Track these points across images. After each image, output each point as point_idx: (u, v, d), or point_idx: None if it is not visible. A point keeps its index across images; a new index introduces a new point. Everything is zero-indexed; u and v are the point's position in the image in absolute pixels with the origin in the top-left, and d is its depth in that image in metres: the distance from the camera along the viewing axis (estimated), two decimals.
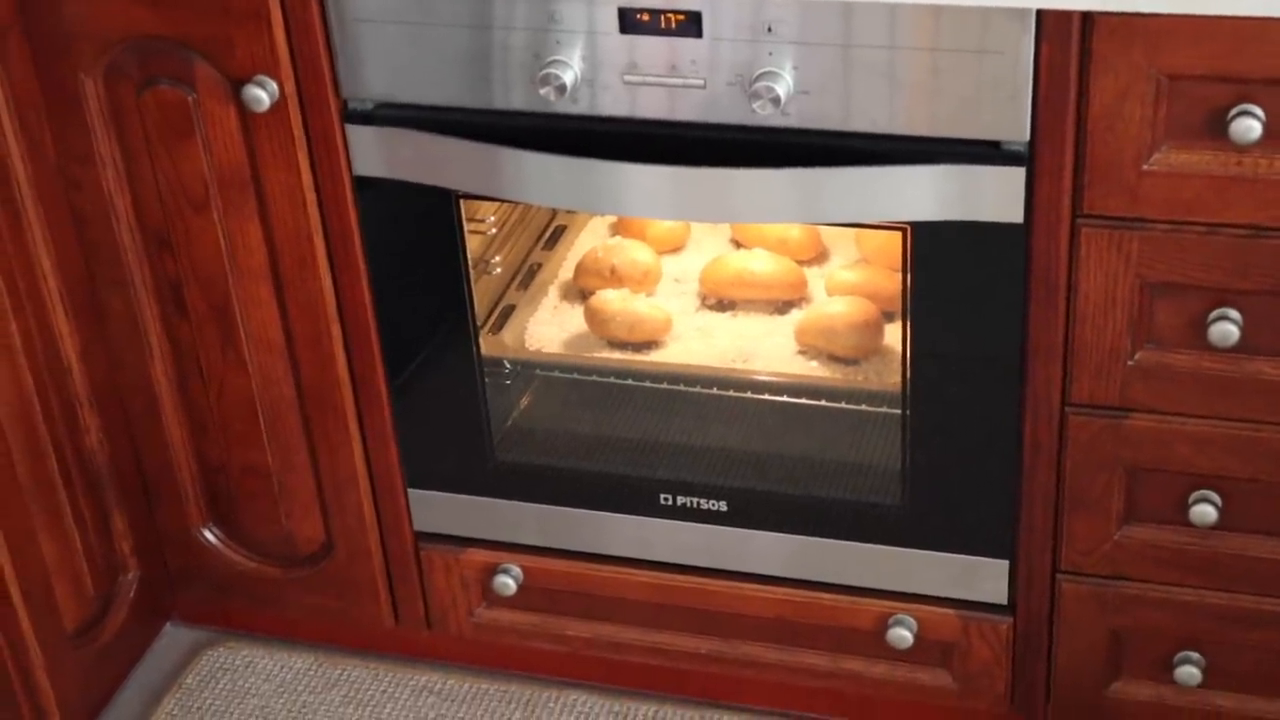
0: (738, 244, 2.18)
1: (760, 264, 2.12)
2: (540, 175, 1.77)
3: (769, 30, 1.64)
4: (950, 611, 1.95)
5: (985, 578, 1.92)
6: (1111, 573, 1.86)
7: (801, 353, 2.07)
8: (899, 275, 1.77)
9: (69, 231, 1.95)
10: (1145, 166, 1.60)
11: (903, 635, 1.96)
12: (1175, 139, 1.58)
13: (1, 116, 1.82)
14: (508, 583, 2.08)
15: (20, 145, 1.85)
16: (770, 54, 1.65)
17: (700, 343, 2.11)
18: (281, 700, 2.21)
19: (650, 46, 1.68)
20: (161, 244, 1.95)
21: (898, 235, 1.74)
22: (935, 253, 1.72)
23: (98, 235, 1.96)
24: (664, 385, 2.08)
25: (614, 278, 2.13)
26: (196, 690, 2.23)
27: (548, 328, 2.15)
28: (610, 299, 2.11)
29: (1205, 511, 1.76)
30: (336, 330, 1.96)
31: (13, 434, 1.91)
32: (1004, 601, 1.93)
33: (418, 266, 1.91)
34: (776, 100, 1.64)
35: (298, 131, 1.82)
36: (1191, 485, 1.77)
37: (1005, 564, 1.90)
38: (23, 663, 1.97)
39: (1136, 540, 1.83)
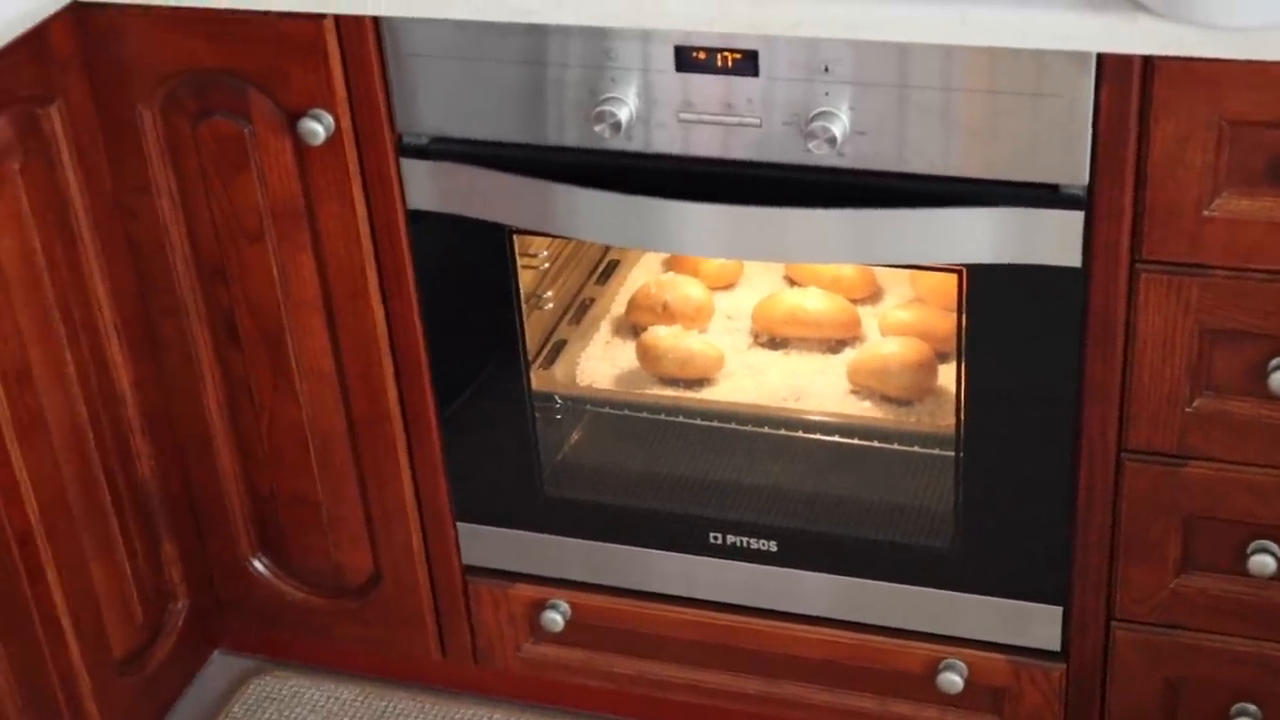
0: (791, 281, 2.17)
1: (813, 302, 2.10)
2: (593, 212, 1.77)
3: (825, 70, 1.63)
4: (1001, 657, 1.93)
5: (1038, 623, 1.89)
6: (1167, 621, 1.83)
7: (854, 392, 2.06)
8: (953, 315, 1.76)
9: (125, 261, 1.96)
10: (1206, 212, 1.58)
11: (953, 680, 1.94)
12: (1237, 185, 1.56)
13: (60, 147, 1.83)
14: (555, 619, 2.07)
15: (78, 176, 1.86)
16: (826, 94, 1.64)
17: (752, 380, 2.09)
18: None
19: (706, 85, 1.68)
20: (215, 274, 1.96)
21: (953, 275, 1.72)
22: (991, 295, 1.70)
23: (153, 265, 1.97)
24: (715, 423, 2.07)
25: (666, 314, 2.12)
26: (243, 719, 2.23)
27: (599, 363, 2.14)
28: (662, 335, 2.10)
29: (1264, 562, 1.73)
30: (388, 362, 1.96)
31: (66, 462, 1.92)
32: (1057, 648, 1.91)
33: (470, 300, 1.91)
34: (832, 140, 1.63)
35: (352, 165, 1.82)
36: (1250, 534, 1.74)
37: (1059, 610, 1.88)
38: (71, 690, 1.98)
39: (1193, 589, 1.80)
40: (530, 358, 1.95)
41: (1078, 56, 1.54)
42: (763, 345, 2.14)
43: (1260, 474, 1.70)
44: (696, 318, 2.13)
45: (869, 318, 2.12)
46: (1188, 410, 1.69)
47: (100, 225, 1.91)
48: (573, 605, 2.08)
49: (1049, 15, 1.52)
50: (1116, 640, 1.86)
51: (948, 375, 1.98)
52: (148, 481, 2.07)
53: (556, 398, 2.10)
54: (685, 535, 1.99)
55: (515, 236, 1.84)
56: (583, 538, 2.04)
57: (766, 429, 2.05)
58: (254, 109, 1.81)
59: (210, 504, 2.14)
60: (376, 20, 1.74)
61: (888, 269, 2.12)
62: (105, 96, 1.86)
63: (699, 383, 2.10)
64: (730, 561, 1.99)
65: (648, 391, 2.11)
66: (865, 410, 2.04)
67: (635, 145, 1.72)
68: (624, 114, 1.69)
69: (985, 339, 1.74)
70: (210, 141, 1.86)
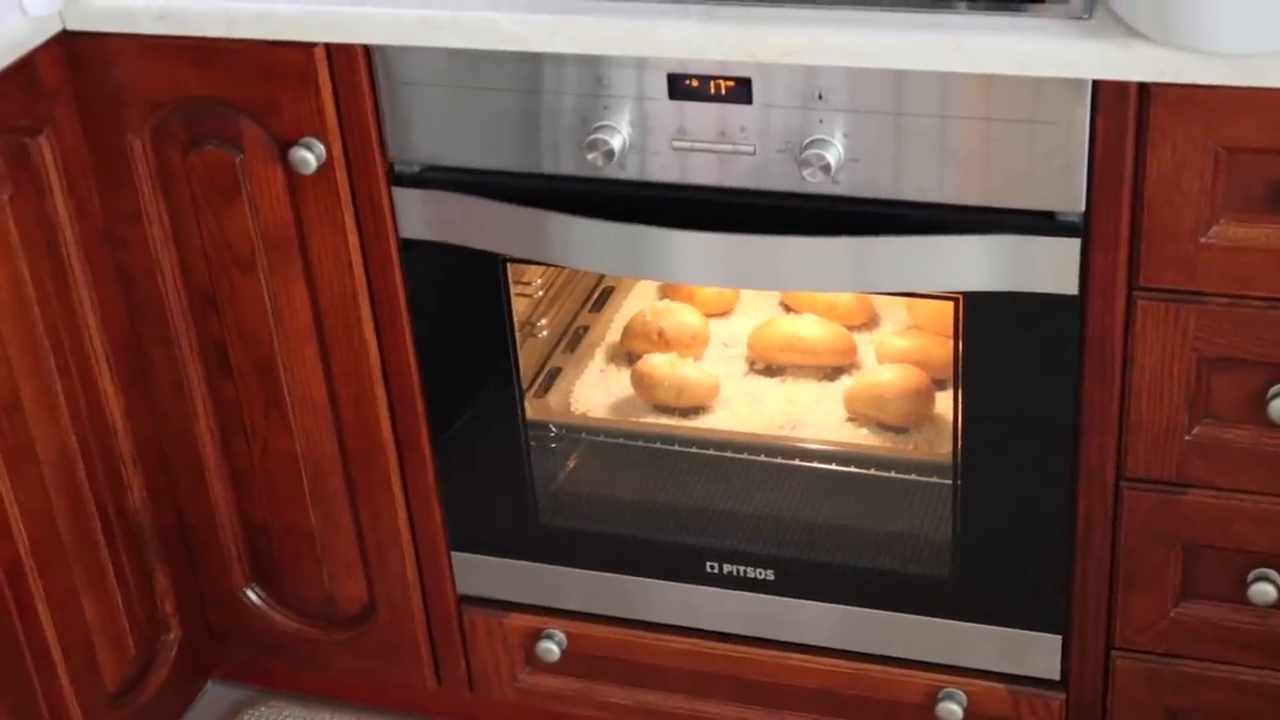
0: (787, 308, 2.16)
1: (810, 329, 2.09)
2: (587, 241, 1.75)
3: (820, 98, 1.62)
4: (1001, 686, 1.91)
5: (1037, 652, 1.88)
6: (1168, 650, 1.81)
7: (851, 420, 2.05)
8: (950, 342, 1.74)
9: (115, 291, 1.95)
10: (1203, 239, 1.57)
11: (952, 710, 1.92)
12: (1234, 212, 1.55)
13: (50, 177, 1.82)
14: (551, 648, 2.05)
15: (68, 205, 1.85)
16: (821, 121, 1.63)
17: (748, 408, 2.08)
18: None
19: (700, 113, 1.67)
20: (207, 303, 1.94)
21: (950, 303, 1.71)
22: (988, 323, 1.69)
23: (144, 294, 1.96)
24: (711, 451, 2.06)
25: (661, 341, 2.11)
26: None
27: (594, 391, 2.13)
28: (658, 363, 2.09)
29: (1265, 590, 1.71)
30: (381, 391, 1.95)
31: (56, 494, 1.90)
32: (1056, 677, 1.89)
33: (463, 329, 1.90)
34: (827, 168, 1.62)
35: (344, 193, 1.81)
36: (1251, 563, 1.73)
37: (1058, 639, 1.86)
38: None
39: (1194, 618, 1.78)
40: (524, 386, 1.94)
41: (1073, 83, 1.53)
42: (759, 373, 2.13)
43: (1260, 502, 1.69)
44: (692, 345, 2.12)
45: (866, 345, 2.11)
46: (1187, 438, 1.68)
47: (90, 255, 1.90)
48: (568, 635, 2.06)
49: (1044, 42, 1.51)
50: (1117, 669, 1.85)
51: (945, 403, 1.96)
52: (139, 512, 2.05)
53: (551, 426, 2.08)
54: (681, 564, 1.98)
55: (509, 265, 1.83)
56: (578, 567, 2.02)
57: (763, 457, 2.04)
58: (245, 138, 1.80)
59: (203, 534, 2.13)
60: (368, 49, 1.73)
61: (884, 296, 2.10)
62: (95, 126, 1.85)
63: (695, 411, 2.09)
64: (727, 590, 1.97)
65: (643, 420, 2.10)
66: (862, 438, 2.03)
67: (629, 173, 1.71)
68: (617, 142, 1.68)
69: (982, 366, 1.73)
70: (201, 170, 1.85)
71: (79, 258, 1.88)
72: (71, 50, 1.80)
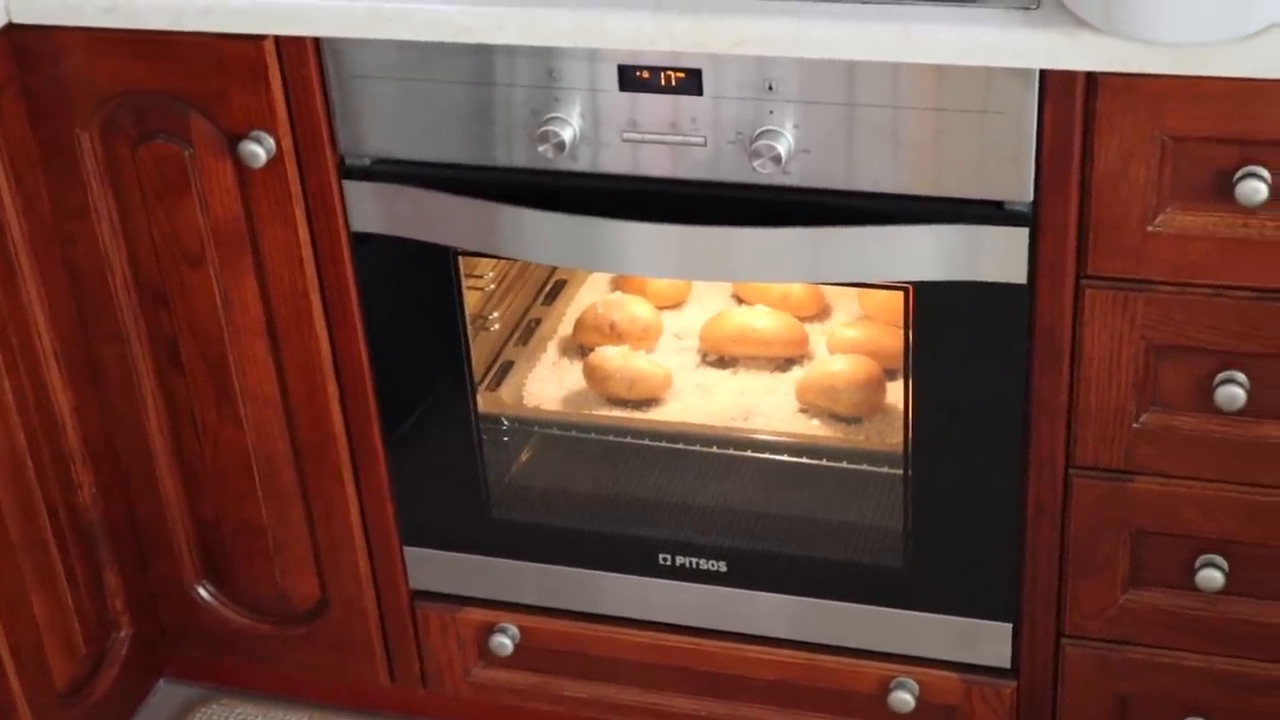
0: (739, 299, 2.16)
1: (762, 320, 2.10)
2: (539, 233, 1.76)
3: (770, 88, 1.62)
4: (953, 675, 1.92)
5: (988, 640, 1.89)
6: (1117, 637, 1.83)
7: (803, 411, 2.05)
8: (902, 332, 1.75)
9: (64, 287, 1.93)
10: (1150, 228, 1.58)
11: (904, 699, 1.93)
12: (1181, 200, 1.57)
13: None
14: (504, 642, 2.05)
15: (15, 201, 1.84)
16: (771, 112, 1.63)
17: (700, 400, 2.08)
18: None
19: (650, 104, 1.67)
20: (157, 299, 1.93)
21: (900, 293, 1.72)
22: (938, 312, 1.70)
23: (93, 290, 1.94)
24: (664, 443, 2.06)
25: (614, 334, 2.11)
26: None
27: (546, 384, 2.13)
28: (610, 355, 2.09)
29: (1212, 576, 1.73)
30: (332, 386, 1.94)
31: (4, 491, 1.89)
32: (1007, 665, 1.90)
33: (415, 323, 1.89)
34: (777, 159, 1.63)
35: (294, 187, 1.81)
36: (1199, 549, 1.75)
37: (1008, 627, 1.88)
38: None
39: (1143, 604, 1.80)
40: (477, 380, 1.93)
41: (1021, 73, 1.55)
42: (711, 364, 2.13)
43: (1208, 489, 1.70)
44: (644, 337, 2.12)
45: (817, 335, 2.12)
46: (1135, 426, 1.69)
47: (38, 251, 1.89)
48: (522, 629, 2.06)
49: (992, 32, 1.52)
50: (1067, 657, 1.86)
51: (896, 393, 1.97)
52: (89, 509, 2.04)
53: (503, 419, 2.08)
54: (634, 557, 1.98)
55: (460, 258, 1.83)
56: (531, 560, 2.02)
57: (715, 449, 2.04)
58: (194, 131, 1.79)
59: (154, 531, 2.12)
60: (317, 41, 1.73)
61: (836, 286, 2.11)
62: (42, 120, 1.84)
63: (647, 403, 2.09)
64: (680, 583, 1.97)
65: (595, 412, 2.10)
66: (814, 429, 2.04)
67: (581, 165, 1.72)
68: (568, 134, 1.68)
69: (932, 356, 1.74)
70: (150, 164, 1.84)
71: (27, 254, 1.87)
72: (17, 43, 1.79)
